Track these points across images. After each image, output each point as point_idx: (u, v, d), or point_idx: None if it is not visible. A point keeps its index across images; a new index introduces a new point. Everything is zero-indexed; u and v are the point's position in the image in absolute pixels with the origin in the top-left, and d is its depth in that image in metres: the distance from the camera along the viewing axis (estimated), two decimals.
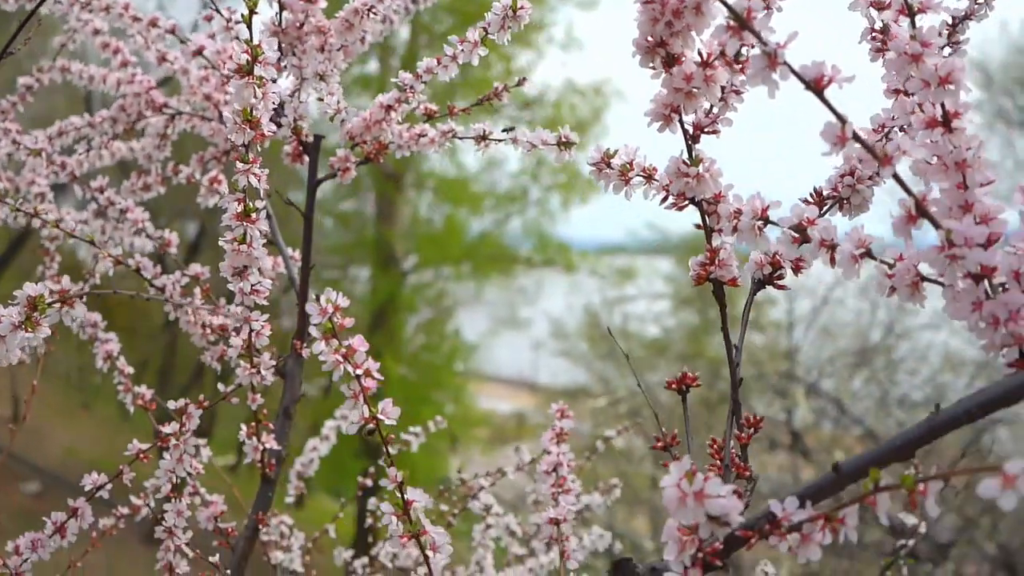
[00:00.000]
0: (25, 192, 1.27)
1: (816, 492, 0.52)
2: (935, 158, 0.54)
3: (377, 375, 0.63)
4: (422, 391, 10.40)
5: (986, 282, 0.52)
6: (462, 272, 11.89)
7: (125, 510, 1.14)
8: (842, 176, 0.68)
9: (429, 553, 0.64)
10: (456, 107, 0.99)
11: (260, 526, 0.99)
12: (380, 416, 0.63)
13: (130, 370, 1.10)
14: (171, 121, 1.19)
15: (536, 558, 1.32)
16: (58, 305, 0.67)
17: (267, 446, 0.97)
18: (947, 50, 0.73)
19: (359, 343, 0.63)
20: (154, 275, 1.03)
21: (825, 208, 0.69)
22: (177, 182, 1.21)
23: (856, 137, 0.50)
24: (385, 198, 11.37)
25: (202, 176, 1.18)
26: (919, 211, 0.51)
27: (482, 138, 0.96)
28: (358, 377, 0.62)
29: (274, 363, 0.91)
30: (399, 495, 0.65)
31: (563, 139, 0.84)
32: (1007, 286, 0.51)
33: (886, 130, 0.69)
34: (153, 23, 1.10)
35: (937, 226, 0.51)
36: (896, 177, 0.51)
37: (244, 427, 0.96)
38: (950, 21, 0.74)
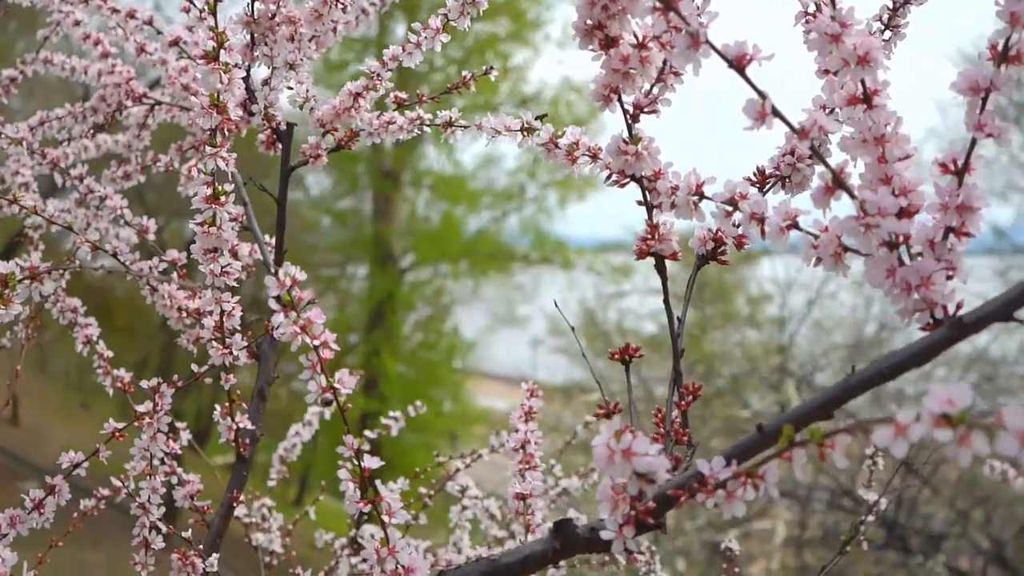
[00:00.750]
0: (10, 183, 1.30)
1: (742, 452, 0.55)
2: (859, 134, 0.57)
3: (334, 346, 0.66)
4: (420, 389, 10.43)
5: (904, 249, 0.55)
6: (460, 270, 11.93)
7: (105, 491, 1.16)
8: (783, 155, 0.71)
9: (385, 518, 0.67)
10: (424, 95, 1.02)
11: (234, 504, 1.01)
12: (337, 386, 0.66)
13: (109, 353, 1.13)
14: (151, 111, 1.22)
15: (515, 540, 1.35)
16: (28, 281, 0.69)
17: (241, 426, 0.99)
18: (888, 33, 0.76)
19: (316, 315, 0.65)
20: (132, 261, 1.06)
21: (768, 186, 0.71)
22: (158, 171, 1.24)
23: (775, 112, 0.53)
24: (382, 196, 11.40)
25: (181, 165, 1.21)
26: (836, 183, 0.54)
27: (448, 124, 0.98)
28: (316, 348, 0.65)
29: (246, 343, 0.93)
30: (356, 463, 0.67)
31: (526, 125, 0.86)
32: (922, 254, 0.54)
33: (827, 111, 0.72)
34: (131, 15, 1.13)
35: (853, 196, 0.54)
36: (814, 150, 0.54)
37: (218, 408, 0.99)
38: (891, 5, 0.76)
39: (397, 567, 0.66)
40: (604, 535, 0.57)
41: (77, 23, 1.23)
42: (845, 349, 6.50)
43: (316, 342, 0.65)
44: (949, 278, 0.54)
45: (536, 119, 0.80)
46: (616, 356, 0.71)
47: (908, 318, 0.54)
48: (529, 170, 11.87)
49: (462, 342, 11.97)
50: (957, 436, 0.40)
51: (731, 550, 1.24)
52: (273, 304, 0.64)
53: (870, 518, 1.11)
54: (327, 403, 0.67)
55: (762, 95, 0.53)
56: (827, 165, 0.54)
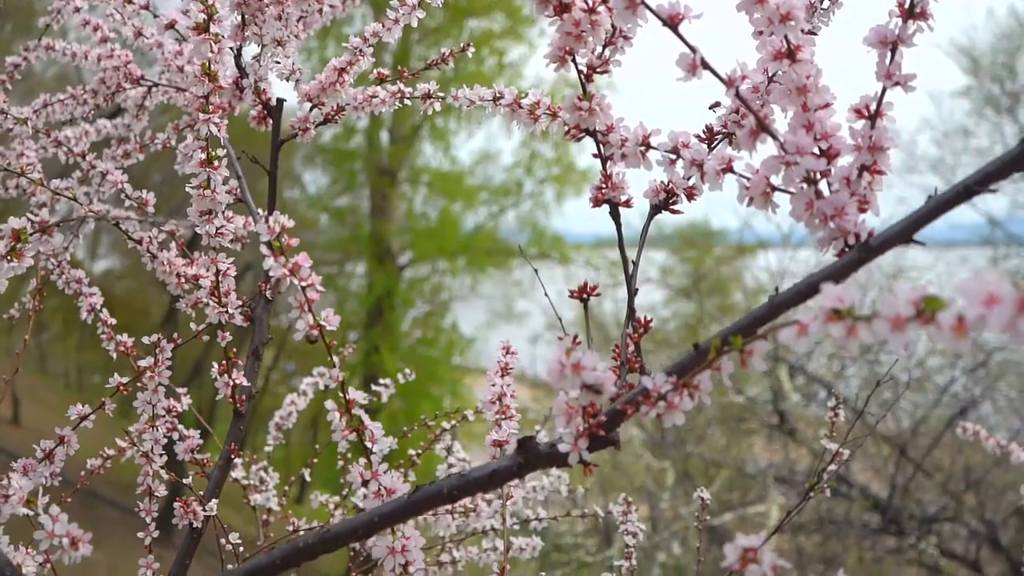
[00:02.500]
0: (15, 163, 1.37)
1: (681, 369, 0.62)
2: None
3: (320, 287, 0.72)
4: (420, 385, 10.48)
5: (824, 185, 0.62)
6: (458, 266, 11.99)
7: (111, 451, 1.23)
8: (729, 114, 0.77)
9: (368, 444, 0.74)
10: (406, 71, 1.08)
11: (232, 456, 1.08)
12: (323, 323, 0.72)
13: (113, 321, 1.19)
14: (148, 92, 1.28)
15: (502, 499, 1.41)
16: (39, 235, 0.76)
17: (237, 382, 1.06)
18: (826, 2, 0.82)
19: (303, 259, 0.72)
20: (133, 230, 1.12)
21: (716, 142, 0.78)
22: (155, 151, 1.30)
23: (705, 64, 0.60)
24: (380, 194, 11.46)
25: (178, 143, 1.27)
26: (760, 126, 0.61)
27: (427, 96, 1.05)
28: (303, 289, 0.72)
29: (240, 302, 1.00)
30: (341, 394, 0.74)
31: (497, 95, 0.93)
32: (838, 189, 0.61)
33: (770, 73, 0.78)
34: (128, 0, 1.19)
35: (775, 138, 0.60)
36: (739, 97, 0.60)
37: (216, 365, 1.06)
38: None
39: (380, 488, 0.73)
40: (562, 447, 0.64)
41: (77, 10, 1.30)
42: None
43: (304, 283, 0.72)
44: (863, 211, 0.61)
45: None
46: (575, 295, 0.78)
47: (825, 247, 0.61)
48: (526, 166, 11.94)
49: (461, 338, 12.03)
50: (846, 328, 0.46)
51: (703, 499, 1.31)
52: (264, 249, 0.71)
53: (832, 467, 1.18)
54: (312, 340, 0.73)
55: (693, 49, 0.60)
56: (752, 111, 0.61)
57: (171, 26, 1.15)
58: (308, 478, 1.51)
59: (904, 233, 0.56)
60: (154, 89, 1.30)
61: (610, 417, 0.63)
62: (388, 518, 0.68)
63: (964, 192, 0.54)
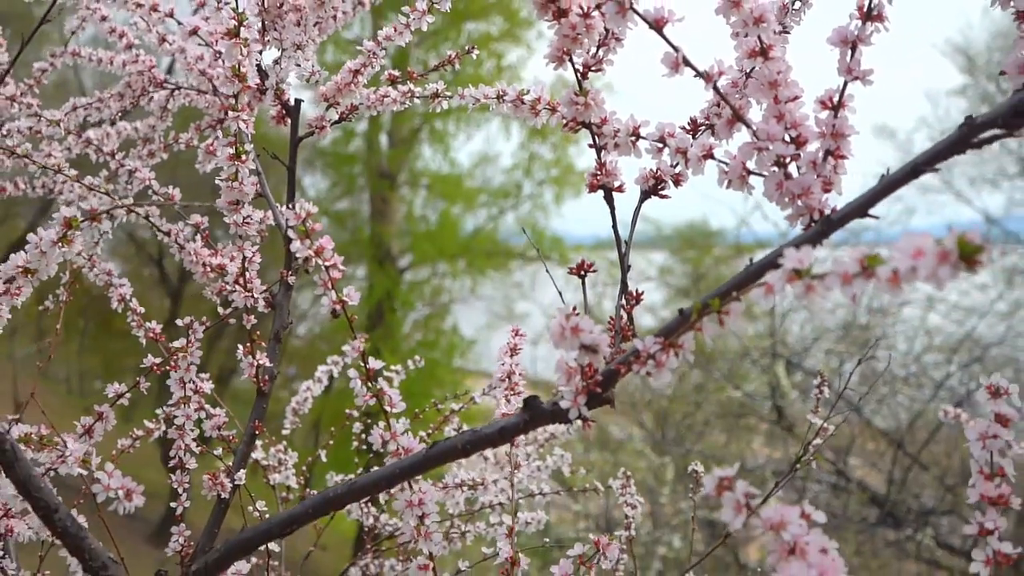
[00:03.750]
0: (44, 163, 1.45)
1: (667, 331, 0.70)
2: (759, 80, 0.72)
3: (342, 267, 0.80)
4: (422, 386, 10.55)
5: (794, 168, 0.70)
6: (458, 268, 12.06)
7: (139, 432, 1.31)
8: (711, 107, 0.85)
9: (387, 408, 0.82)
10: (415, 72, 1.16)
11: (256, 432, 1.16)
12: (345, 299, 0.80)
13: (141, 310, 1.27)
14: (171, 95, 1.36)
15: (505, 477, 1.49)
16: (89, 221, 0.84)
17: (261, 363, 1.14)
18: (798, 3, 0.90)
19: (327, 242, 0.80)
20: (161, 224, 1.20)
21: (699, 132, 0.86)
22: (177, 151, 1.38)
23: (686, 62, 0.68)
24: (380, 197, 11.53)
25: (200, 143, 1.35)
26: (735, 116, 0.69)
27: (436, 95, 1.13)
28: (327, 268, 0.80)
29: (265, 288, 1.08)
30: (363, 364, 0.82)
31: (500, 93, 1.01)
32: (805, 171, 0.69)
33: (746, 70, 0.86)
34: (154, 8, 1.27)
35: (749, 127, 0.68)
36: (716, 91, 0.68)
37: (241, 347, 1.14)
38: None
39: (398, 448, 0.81)
40: (563, 404, 0.72)
41: (104, 18, 1.38)
42: (835, 331, 6.65)
43: (327, 263, 0.80)
44: (827, 191, 0.69)
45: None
46: (573, 271, 0.86)
47: (794, 221, 0.69)
48: (525, 168, 12.03)
49: (461, 340, 12.09)
50: (804, 285, 0.54)
51: (696, 471, 1.38)
52: (291, 233, 0.79)
53: (816, 440, 1.25)
54: (336, 315, 0.81)
55: (676, 49, 0.68)
56: (728, 103, 0.69)
57: (194, 32, 1.23)
58: (324, 458, 1.59)
59: (861, 208, 0.64)
60: (176, 92, 1.38)
61: (606, 376, 0.71)
62: (409, 470, 0.76)
63: (912, 171, 0.62)
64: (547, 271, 1.09)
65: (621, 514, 1.30)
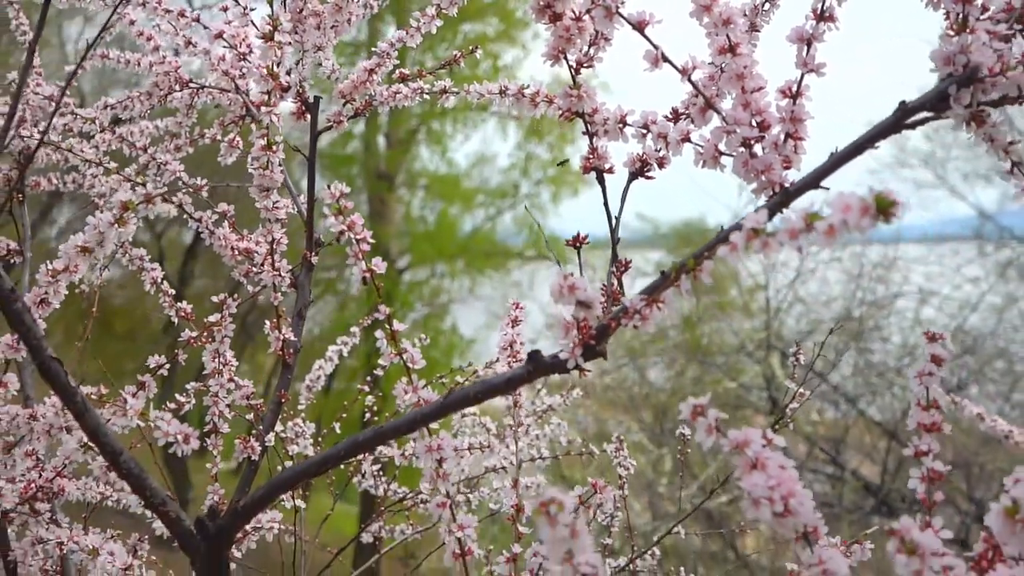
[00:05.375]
0: (87, 158, 1.55)
1: (652, 289, 0.81)
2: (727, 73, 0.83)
3: (371, 240, 0.91)
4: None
5: (759, 148, 0.81)
6: (456, 268, 12.17)
7: (172, 405, 1.42)
8: (689, 97, 0.96)
9: (409, 365, 0.93)
10: (424, 71, 1.28)
11: (282, 400, 1.27)
12: (373, 267, 0.92)
13: (172, 291, 1.38)
14: (196, 94, 1.47)
15: (506, 446, 1.61)
16: (145, 204, 0.95)
17: (286, 337, 1.25)
18: (767, 5, 1.01)
19: (358, 219, 0.91)
20: (191, 211, 1.32)
21: (680, 120, 0.97)
22: (202, 144, 1.50)
23: (665, 58, 0.79)
24: (378, 198, 11.64)
25: (223, 137, 1.46)
26: (708, 104, 0.80)
27: (443, 92, 1.24)
28: (358, 241, 0.91)
29: (291, 268, 1.19)
30: (388, 326, 0.93)
31: (503, 88, 1.12)
32: (768, 151, 0.80)
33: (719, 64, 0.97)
34: (181, 14, 1.38)
35: (719, 113, 0.80)
36: (692, 83, 0.80)
37: (268, 323, 1.25)
38: None
39: (419, 400, 0.92)
40: (562, 355, 0.83)
41: (132, 23, 1.49)
42: (831, 323, 6.78)
43: (358, 236, 0.91)
44: (787, 167, 0.80)
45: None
46: (570, 243, 0.97)
47: (759, 193, 0.80)
48: (522, 168, 12.15)
49: (461, 340, 12.18)
50: (761, 242, 0.66)
51: (684, 435, 1.50)
52: (326, 210, 0.90)
53: (793, 404, 1.36)
54: (366, 282, 0.93)
55: (656, 47, 0.79)
56: (701, 93, 0.80)
57: (220, 35, 1.34)
58: (339, 430, 1.70)
59: (813, 182, 0.75)
60: (200, 91, 1.49)
61: (599, 330, 0.82)
62: (428, 416, 0.87)
63: (856, 148, 0.74)
64: (557, 262, 1.20)
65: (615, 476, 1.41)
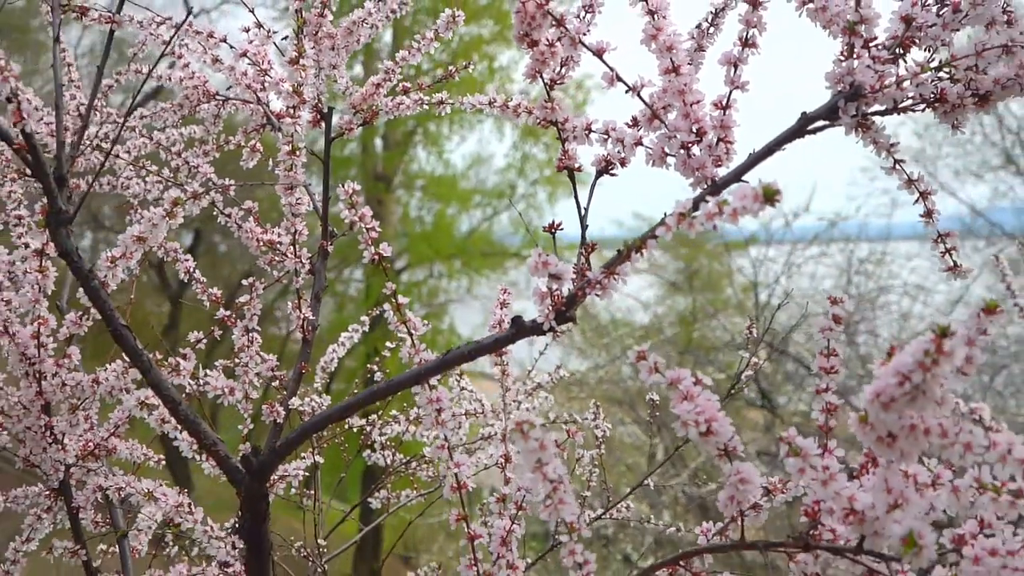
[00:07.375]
0: (131, 161, 1.74)
1: (611, 264, 1.00)
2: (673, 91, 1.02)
3: (378, 229, 1.11)
4: None
5: (696, 150, 1.00)
6: (454, 269, 12.35)
7: (205, 380, 1.61)
8: (643, 109, 1.16)
9: (413, 330, 1.12)
10: (423, 83, 1.47)
11: (303, 372, 1.46)
12: (381, 251, 1.11)
13: (204, 279, 1.57)
14: (222, 105, 1.66)
15: (502, 422, 1.80)
16: (192, 200, 1.14)
17: (306, 316, 1.44)
18: (712, 29, 1.20)
19: (368, 211, 1.10)
20: (221, 209, 1.51)
21: (637, 127, 1.16)
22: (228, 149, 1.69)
23: (619, 78, 0.98)
24: (375, 199, 11.82)
25: (246, 143, 1.65)
26: (653, 115, 0.99)
27: (441, 103, 1.44)
28: (369, 229, 1.10)
29: (311, 254, 1.38)
30: (395, 300, 1.12)
31: (492, 99, 1.31)
32: (702, 152, 1.00)
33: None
34: (210, 35, 1.57)
35: (662, 122, 0.99)
36: (640, 98, 0.99)
37: (289, 303, 1.44)
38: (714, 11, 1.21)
39: (421, 359, 1.11)
40: (538, 319, 1.02)
41: (166, 43, 1.68)
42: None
43: (368, 226, 1.10)
44: (719, 165, 0.99)
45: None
46: (547, 229, 1.16)
47: (696, 187, 0.99)
48: (518, 168, 12.35)
49: (459, 340, 12.34)
50: (687, 223, 0.85)
51: (653, 400, 1.69)
52: (341, 204, 1.09)
53: (748, 373, 1.55)
54: (375, 263, 1.12)
55: (611, 69, 0.98)
56: (648, 106, 1.00)
57: (244, 54, 1.54)
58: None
59: (735, 176, 0.95)
60: (226, 102, 1.68)
61: (568, 299, 1.02)
62: (431, 371, 1.06)
63: (767, 151, 0.93)
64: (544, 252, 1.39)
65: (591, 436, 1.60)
